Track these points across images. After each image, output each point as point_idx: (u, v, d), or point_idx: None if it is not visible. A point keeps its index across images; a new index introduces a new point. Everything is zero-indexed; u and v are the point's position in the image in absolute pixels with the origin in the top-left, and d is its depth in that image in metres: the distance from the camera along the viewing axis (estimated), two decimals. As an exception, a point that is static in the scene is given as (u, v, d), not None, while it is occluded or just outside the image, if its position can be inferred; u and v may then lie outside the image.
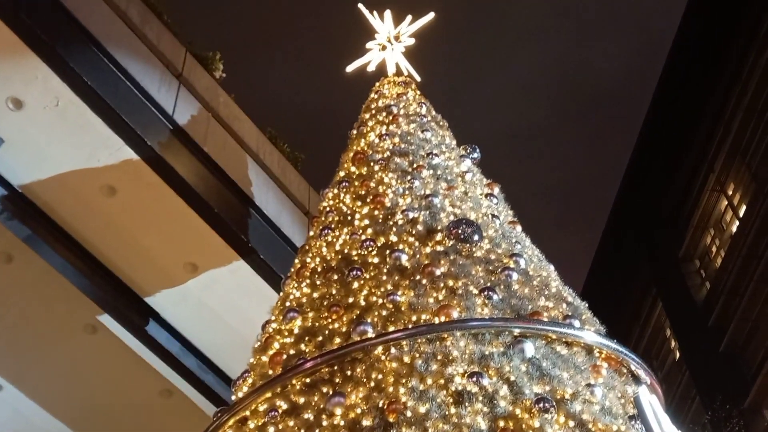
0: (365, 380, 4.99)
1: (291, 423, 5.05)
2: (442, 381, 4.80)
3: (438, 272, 5.79)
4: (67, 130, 9.06)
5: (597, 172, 36.98)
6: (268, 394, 5.36)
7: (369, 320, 5.43)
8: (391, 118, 8.53)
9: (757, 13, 22.79)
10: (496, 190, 7.68)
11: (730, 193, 25.02)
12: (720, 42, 23.92)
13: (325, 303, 5.92)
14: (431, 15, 10.95)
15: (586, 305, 6.24)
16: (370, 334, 5.28)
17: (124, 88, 9.39)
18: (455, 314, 5.32)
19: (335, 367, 5.21)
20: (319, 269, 6.45)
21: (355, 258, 6.26)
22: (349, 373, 5.12)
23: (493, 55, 36.35)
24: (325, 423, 4.85)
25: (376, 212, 6.74)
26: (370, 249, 6.26)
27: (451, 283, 5.70)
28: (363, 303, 5.71)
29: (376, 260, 6.12)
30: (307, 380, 5.25)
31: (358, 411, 4.80)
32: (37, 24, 8.48)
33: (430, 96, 9.47)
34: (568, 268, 7.28)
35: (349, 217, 6.92)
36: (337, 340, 5.44)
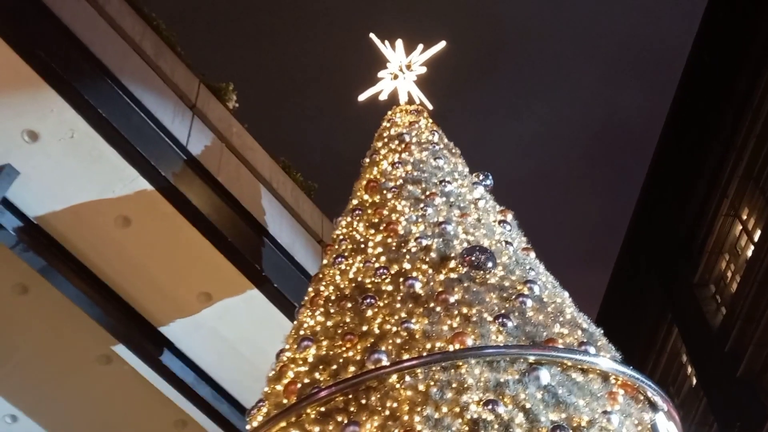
0: (380, 409, 4.96)
1: (306, 452, 5.04)
2: (457, 409, 4.78)
3: (452, 299, 5.78)
4: (81, 162, 9.12)
5: (614, 206, 37.05)
6: (283, 424, 5.34)
7: (383, 348, 5.42)
8: (403, 146, 8.55)
9: (765, 41, 22.81)
10: (509, 216, 7.67)
11: (745, 218, 24.87)
12: (730, 70, 23.93)
13: (339, 331, 5.90)
14: (442, 44, 11.00)
15: (602, 332, 6.20)
16: (385, 362, 5.26)
17: (138, 120, 9.46)
18: (470, 342, 5.30)
19: (350, 396, 5.18)
20: (333, 297, 6.44)
21: (369, 286, 6.26)
22: (363, 401, 5.09)
23: (517, 98, 36.70)
24: (340, 452, 4.84)
25: (390, 240, 6.75)
26: (384, 277, 6.26)
27: (465, 310, 5.68)
28: (377, 331, 5.69)
29: (389, 288, 6.11)
30: (322, 409, 5.21)
31: (374, 440, 4.78)
32: (52, 57, 8.56)
33: (457, 136, 9.44)
34: (583, 296, 7.24)
35: (363, 245, 6.92)
36: (352, 369, 5.42)
